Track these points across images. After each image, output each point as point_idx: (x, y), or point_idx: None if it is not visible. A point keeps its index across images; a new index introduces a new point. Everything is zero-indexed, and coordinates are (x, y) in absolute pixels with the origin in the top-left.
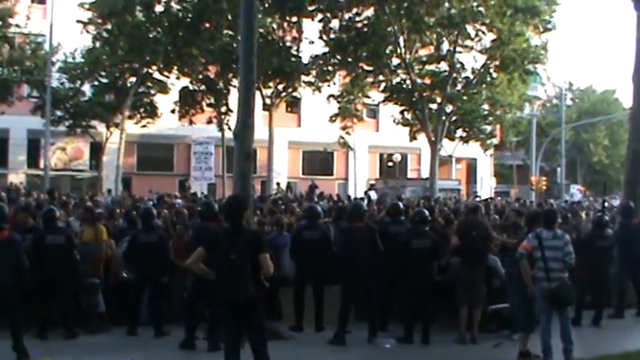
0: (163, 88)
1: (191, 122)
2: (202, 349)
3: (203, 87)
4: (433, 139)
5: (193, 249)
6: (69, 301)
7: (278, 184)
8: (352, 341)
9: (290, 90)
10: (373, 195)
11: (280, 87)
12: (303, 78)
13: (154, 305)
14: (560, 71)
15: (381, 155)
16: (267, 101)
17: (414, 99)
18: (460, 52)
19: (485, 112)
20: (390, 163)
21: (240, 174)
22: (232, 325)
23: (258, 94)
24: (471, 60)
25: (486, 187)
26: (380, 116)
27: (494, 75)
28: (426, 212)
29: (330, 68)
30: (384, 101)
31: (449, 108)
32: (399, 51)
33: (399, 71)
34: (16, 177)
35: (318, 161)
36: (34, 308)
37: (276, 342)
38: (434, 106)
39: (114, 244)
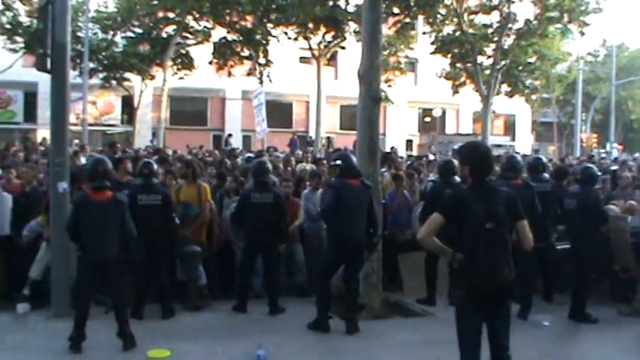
0: (205, 37)
1: (229, 74)
2: (339, 330)
3: (241, 38)
4: (485, 92)
5: (333, 212)
6: (166, 272)
7: (328, 138)
8: None
9: (338, 40)
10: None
11: (328, 37)
12: (352, 26)
13: (270, 277)
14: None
15: (419, 110)
16: (307, 53)
17: (463, 50)
18: (513, 2)
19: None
20: (428, 119)
21: (367, 120)
22: (474, 318)
23: (304, 43)
24: (523, 10)
25: (525, 144)
26: (418, 70)
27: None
28: None
29: None
30: (433, 53)
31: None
32: (449, 1)
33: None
34: (46, 132)
35: (355, 116)
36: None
37: (409, 319)
38: (482, 59)
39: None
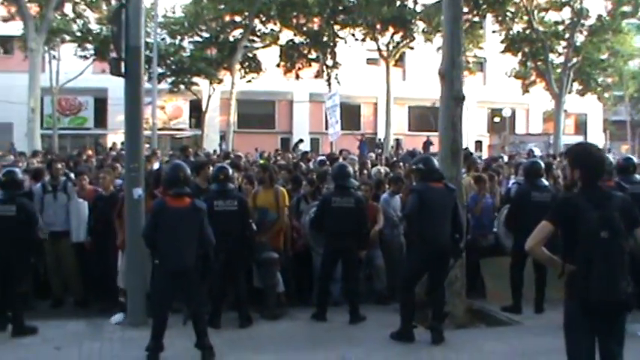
0: (273, 40)
1: (297, 77)
2: (423, 340)
3: (308, 40)
4: (557, 91)
5: (416, 217)
6: (243, 279)
7: (397, 140)
8: None
9: (407, 40)
10: (537, 151)
11: (396, 37)
12: (420, 25)
13: (351, 284)
14: None
15: (488, 110)
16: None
17: (534, 49)
18: None
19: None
20: (497, 119)
21: (449, 121)
22: (587, 335)
23: (371, 44)
24: (596, 5)
25: (597, 143)
26: (487, 69)
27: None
28: None
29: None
30: (503, 51)
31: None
32: None
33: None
34: (116, 137)
35: (423, 117)
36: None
37: (495, 328)
38: (553, 57)
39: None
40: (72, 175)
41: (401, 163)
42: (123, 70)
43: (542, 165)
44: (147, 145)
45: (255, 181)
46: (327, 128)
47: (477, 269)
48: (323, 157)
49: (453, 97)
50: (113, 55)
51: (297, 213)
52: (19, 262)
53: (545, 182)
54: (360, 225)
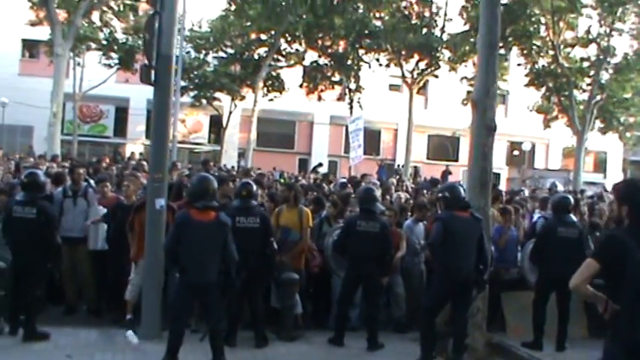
0: (299, 60)
1: (319, 98)
2: None
3: (332, 62)
4: (580, 127)
5: (440, 245)
6: (260, 298)
7: (415, 167)
8: None
9: (432, 68)
10: (560, 186)
11: (421, 64)
12: (445, 54)
13: (372, 310)
14: None
15: (508, 143)
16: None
17: (558, 84)
18: (612, 36)
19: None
20: (517, 152)
21: (480, 150)
22: None
23: (395, 70)
24: (622, 44)
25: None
26: (509, 102)
27: None
28: None
29: (467, 48)
30: (527, 85)
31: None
32: (545, 33)
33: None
34: (134, 147)
35: (443, 146)
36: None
37: None
38: (576, 93)
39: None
40: (91, 182)
41: (424, 191)
42: (152, 78)
43: (572, 200)
44: None
45: (277, 199)
46: (346, 152)
47: (497, 302)
48: (344, 180)
49: (485, 126)
50: (143, 62)
51: (318, 234)
52: (37, 265)
53: (573, 218)
54: (384, 250)
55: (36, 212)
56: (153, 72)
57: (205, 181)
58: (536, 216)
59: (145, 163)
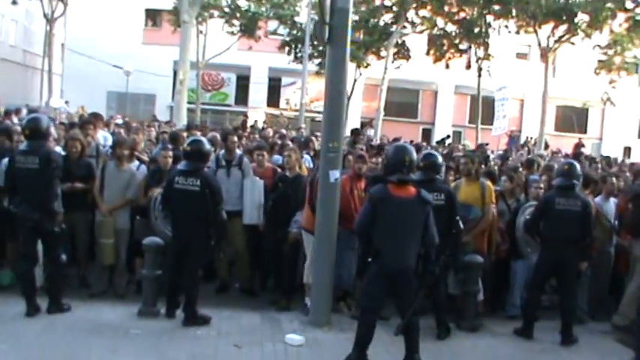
0: (430, 27)
1: (447, 66)
2: None
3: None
4: None
5: None
6: (443, 286)
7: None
8: None
9: (569, 35)
10: None
11: (558, 31)
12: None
13: (566, 300)
14: None
15: None
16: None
17: None
18: None
19: None
20: None
21: None
22: None
23: (523, 38)
24: None
25: None
26: None
27: None
28: None
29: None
30: None
31: None
32: None
33: None
34: (256, 116)
35: (570, 118)
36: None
37: None
38: None
39: None
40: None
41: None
42: (326, 35)
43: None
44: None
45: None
46: (471, 122)
47: None
48: (501, 152)
49: None
50: (315, 19)
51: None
52: (200, 242)
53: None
54: (584, 233)
55: (199, 185)
56: (327, 28)
57: (401, 152)
58: None
59: (313, 137)
